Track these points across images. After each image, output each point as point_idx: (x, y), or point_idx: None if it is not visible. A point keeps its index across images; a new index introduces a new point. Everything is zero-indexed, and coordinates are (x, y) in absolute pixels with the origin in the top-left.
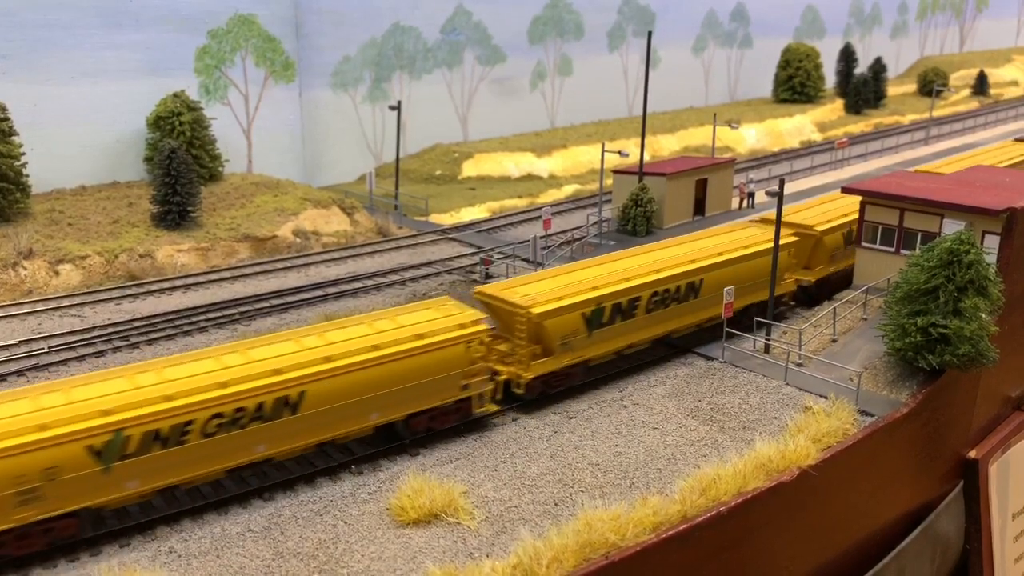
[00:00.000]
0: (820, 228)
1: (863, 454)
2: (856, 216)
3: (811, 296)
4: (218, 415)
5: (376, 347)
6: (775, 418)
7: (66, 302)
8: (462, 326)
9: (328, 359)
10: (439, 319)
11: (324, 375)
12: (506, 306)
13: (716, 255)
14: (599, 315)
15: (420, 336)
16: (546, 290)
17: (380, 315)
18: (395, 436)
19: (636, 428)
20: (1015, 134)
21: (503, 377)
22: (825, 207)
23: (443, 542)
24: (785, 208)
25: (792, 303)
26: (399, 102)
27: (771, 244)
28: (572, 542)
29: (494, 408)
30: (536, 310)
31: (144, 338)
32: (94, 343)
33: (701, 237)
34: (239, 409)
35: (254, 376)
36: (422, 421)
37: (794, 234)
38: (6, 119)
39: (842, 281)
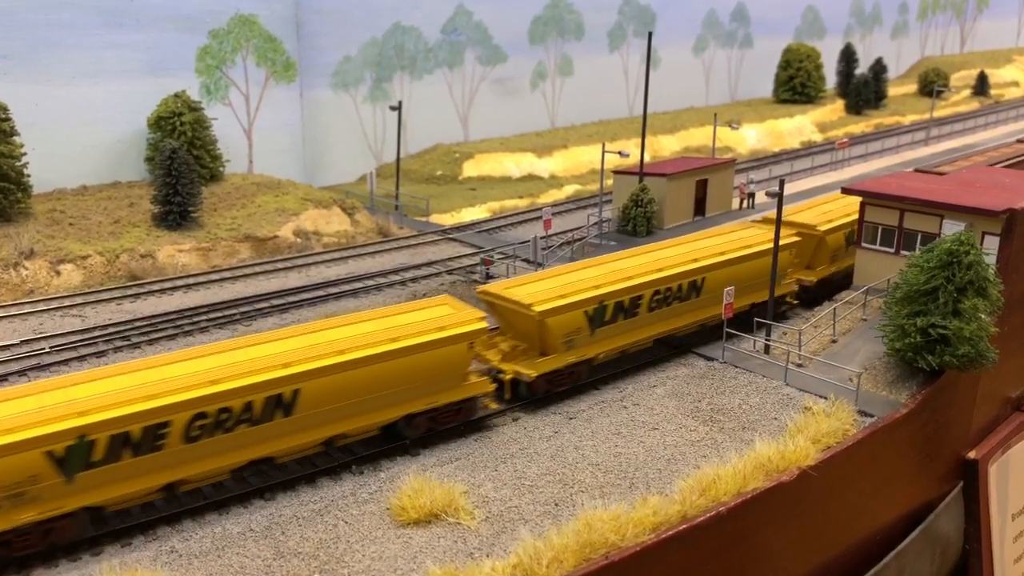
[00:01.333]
0: (541, 307)
1: (863, 454)
2: (659, 276)
3: (546, 393)
4: None
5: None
6: (775, 418)
7: (67, 302)
8: None
9: None
10: None
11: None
12: None
13: (335, 354)
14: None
15: None
16: None
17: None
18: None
19: (636, 428)
20: (1015, 135)
21: None
22: (619, 264)
23: (443, 542)
24: (515, 279)
25: (495, 405)
26: (400, 102)
27: (450, 333)
28: (572, 542)
29: None
30: None
31: (145, 338)
32: (95, 343)
33: (361, 320)
34: None
35: None
36: None
37: (464, 334)
38: (7, 119)
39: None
